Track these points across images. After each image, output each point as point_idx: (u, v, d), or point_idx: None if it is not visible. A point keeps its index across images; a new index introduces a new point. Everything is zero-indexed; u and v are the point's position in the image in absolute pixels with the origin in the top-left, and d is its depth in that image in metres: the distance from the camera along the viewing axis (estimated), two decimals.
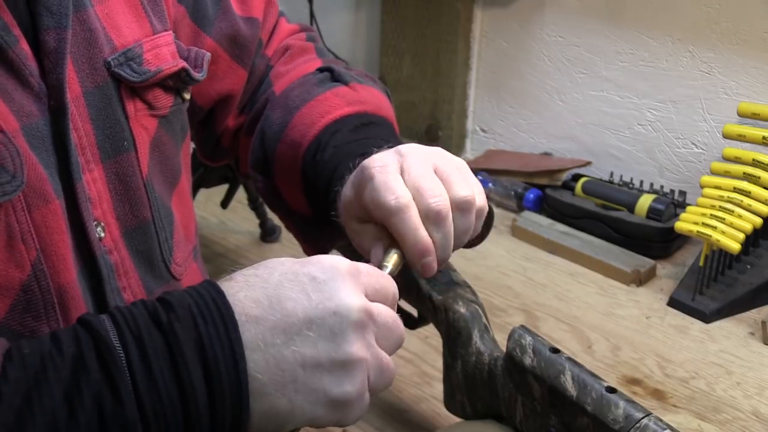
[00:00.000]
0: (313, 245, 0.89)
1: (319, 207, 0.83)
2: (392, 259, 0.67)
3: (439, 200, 0.65)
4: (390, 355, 0.59)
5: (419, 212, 0.65)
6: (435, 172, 0.67)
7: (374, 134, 0.80)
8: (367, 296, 0.57)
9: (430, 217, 0.65)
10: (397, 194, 0.64)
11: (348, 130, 0.80)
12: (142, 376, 0.50)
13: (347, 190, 0.71)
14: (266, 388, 0.53)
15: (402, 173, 0.66)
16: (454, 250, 0.68)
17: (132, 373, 0.50)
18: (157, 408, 0.50)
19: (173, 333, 0.52)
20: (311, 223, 0.86)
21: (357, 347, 0.55)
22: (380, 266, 0.65)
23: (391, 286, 0.61)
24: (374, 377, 0.57)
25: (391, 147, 0.71)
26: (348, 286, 0.56)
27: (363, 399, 0.57)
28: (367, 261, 0.66)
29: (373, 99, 0.85)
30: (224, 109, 0.89)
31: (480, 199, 0.69)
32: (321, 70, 0.88)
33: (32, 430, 0.48)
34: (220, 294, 0.54)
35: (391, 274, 0.65)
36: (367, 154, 0.71)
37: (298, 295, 0.54)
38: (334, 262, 0.57)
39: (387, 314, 0.59)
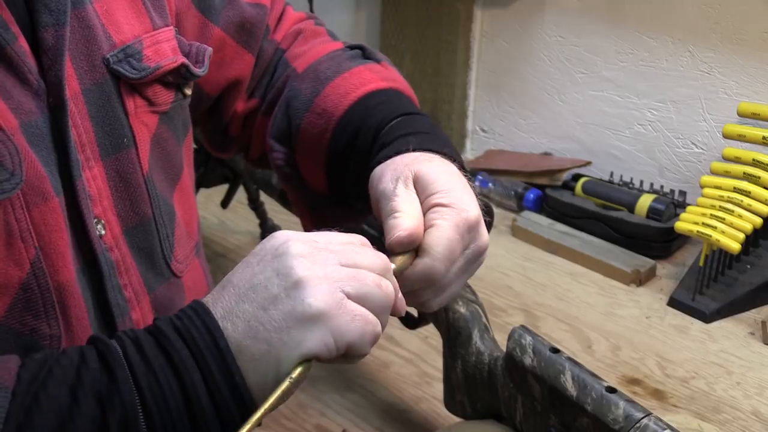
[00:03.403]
0: (321, 223, 0.89)
1: (338, 184, 0.83)
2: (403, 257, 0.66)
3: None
4: (376, 272, 0.60)
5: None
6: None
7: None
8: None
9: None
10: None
11: (395, 104, 0.80)
12: (138, 362, 0.55)
13: (426, 164, 0.70)
14: (243, 342, 0.56)
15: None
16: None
17: (128, 360, 0.55)
18: (153, 386, 0.54)
19: (158, 330, 0.57)
20: (325, 201, 0.87)
21: (303, 266, 0.57)
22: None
23: (353, 237, 0.62)
24: (355, 289, 0.58)
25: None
26: (283, 237, 0.59)
27: (343, 310, 0.57)
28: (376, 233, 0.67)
29: (402, 80, 0.86)
30: (232, 96, 0.89)
31: None
32: (351, 47, 0.89)
33: (39, 419, 0.52)
34: (196, 301, 0.59)
35: (398, 269, 0.65)
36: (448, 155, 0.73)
37: (244, 269, 0.59)
38: (272, 234, 0.61)
39: (344, 239, 0.61)
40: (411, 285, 0.67)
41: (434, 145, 0.73)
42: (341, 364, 0.66)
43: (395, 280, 0.63)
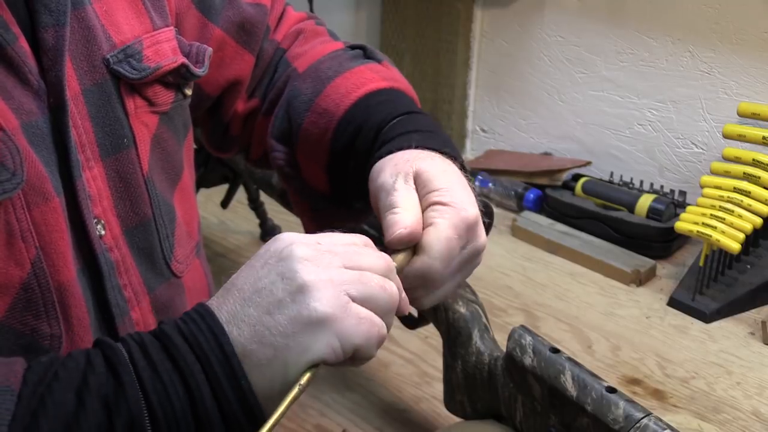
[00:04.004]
0: (322, 223, 0.89)
1: (339, 184, 0.83)
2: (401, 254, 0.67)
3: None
4: (380, 274, 0.60)
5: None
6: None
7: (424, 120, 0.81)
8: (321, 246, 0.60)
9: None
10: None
11: (397, 103, 0.80)
12: (144, 366, 0.55)
13: (427, 161, 0.70)
14: (249, 346, 0.56)
15: None
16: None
17: (134, 364, 0.55)
18: (159, 390, 0.54)
19: (163, 333, 0.57)
20: (326, 201, 0.87)
21: (307, 270, 0.57)
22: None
23: (356, 238, 0.62)
24: (359, 291, 0.58)
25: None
26: (288, 239, 0.59)
27: (349, 314, 0.57)
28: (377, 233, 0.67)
29: (403, 80, 0.86)
30: (232, 96, 0.89)
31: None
32: (352, 47, 0.89)
33: (45, 423, 0.52)
34: (201, 304, 0.59)
35: (397, 267, 0.65)
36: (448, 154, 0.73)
37: (248, 272, 0.59)
38: (276, 236, 0.61)
39: (347, 240, 0.61)
40: (407, 283, 0.67)
41: (435, 143, 0.73)
42: (347, 367, 0.65)
43: (398, 279, 0.63)
